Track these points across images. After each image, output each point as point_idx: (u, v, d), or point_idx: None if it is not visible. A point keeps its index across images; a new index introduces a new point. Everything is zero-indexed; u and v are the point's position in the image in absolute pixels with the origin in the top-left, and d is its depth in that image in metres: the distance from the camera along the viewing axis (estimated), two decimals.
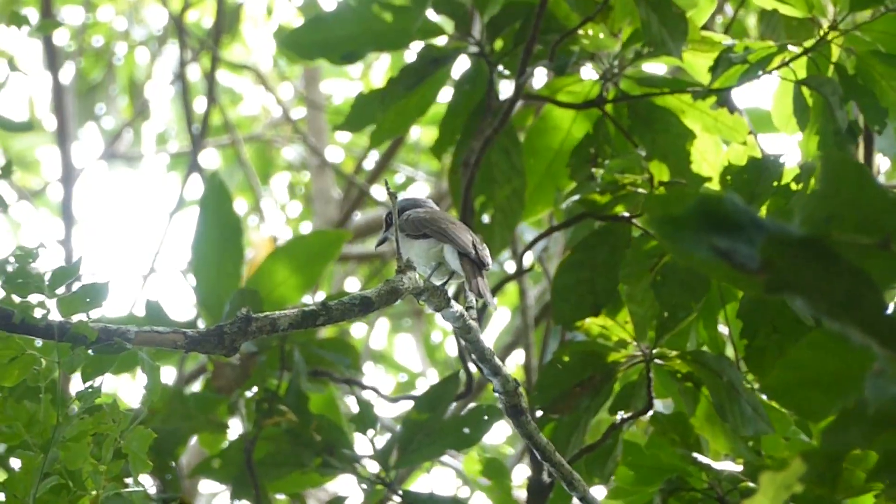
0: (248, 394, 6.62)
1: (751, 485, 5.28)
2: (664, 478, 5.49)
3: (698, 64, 6.16)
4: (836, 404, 2.81)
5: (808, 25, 6.33)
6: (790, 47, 5.89)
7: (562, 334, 6.70)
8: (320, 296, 9.51)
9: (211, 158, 13.96)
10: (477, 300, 4.47)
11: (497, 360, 4.46)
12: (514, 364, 10.64)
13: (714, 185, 5.98)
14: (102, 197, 17.33)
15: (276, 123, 13.64)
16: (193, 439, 7.14)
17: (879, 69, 5.80)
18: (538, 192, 6.53)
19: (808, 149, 5.86)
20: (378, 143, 6.90)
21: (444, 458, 8.76)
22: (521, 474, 8.64)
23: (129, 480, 4.13)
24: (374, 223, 11.39)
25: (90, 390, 4.01)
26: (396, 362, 13.00)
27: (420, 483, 10.18)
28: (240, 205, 13.16)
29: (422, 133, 13.00)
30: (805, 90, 5.88)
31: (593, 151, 6.34)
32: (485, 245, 4.49)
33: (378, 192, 11.14)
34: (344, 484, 7.68)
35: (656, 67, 6.44)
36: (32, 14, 10.86)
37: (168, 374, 8.84)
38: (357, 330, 12.45)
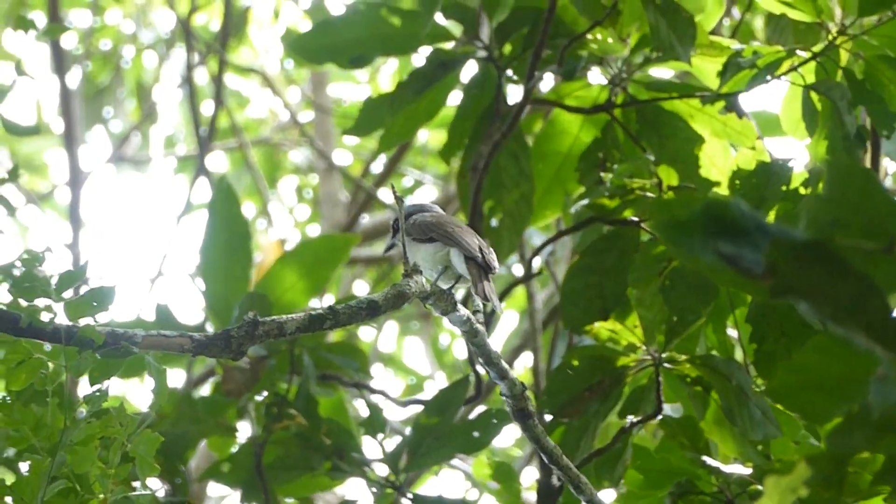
0: (258, 398, 6.63)
1: (760, 488, 5.29)
2: (673, 481, 5.50)
3: (707, 68, 6.16)
4: (840, 408, 2.82)
5: (816, 30, 6.32)
6: (799, 52, 5.89)
7: (569, 338, 6.71)
8: (329, 299, 9.52)
9: (219, 162, 13.99)
10: (483, 304, 4.48)
11: (504, 364, 4.47)
12: (523, 367, 10.66)
13: (723, 190, 5.99)
14: (110, 200, 17.34)
15: (284, 127, 13.65)
16: (203, 443, 7.14)
17: (888, 74, 5.80)
18: (547, 196, 6.54)
19: (817, 153, 5.86)
20: (387, 148, 6.91)
21: (453, 461, 8.77)
22: (529, 477, 8.66)
23: (136, 484, 4.13)
24: (382, 226, 11.39)
25: (97, 394, 4.01)
26: (405, 365, 13.01)
27: (428, 486, 10.19)
28: (248, 208, 13.17)
29: (429, 136, 13.00)
30: (814, 95, 5.88)
31: (602, 156, 6.34)
32: (491, 249, 4.49)
33: (385, 195, 11.15)
34: (353, 488, 7.67)
35: (665, 72, 6.44)
36: (40, 18, 10.91)
37: (177, 378, 8.85)
38: (366, 333, 12.46)
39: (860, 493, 3.79)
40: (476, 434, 6.46)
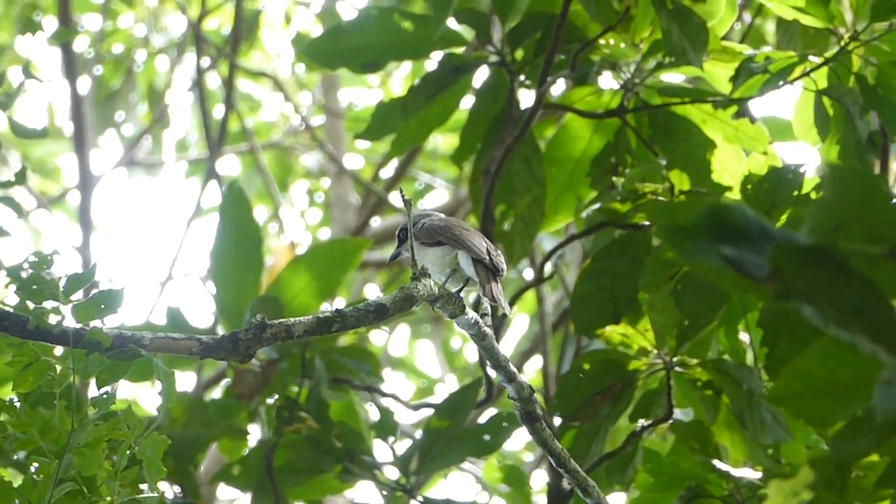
0: (269, 401, 6.63)
1: None
2: (684, 485, 5.51)
3: (719, 73, 6.17)
4: (844, 412, 2.82)
5: (825, 35, 6.34)
6: (811, 57, 5.90)
7: (577, 342, 6.72)
8: (340, 303, 9.52)
9: (230, 165, 14.00)
10: (491, 306, 4.49)
11: (512, 367, 4.47)
12: (533, 371, 10.66)
13: (734, 195, 5.99)
14: (122, 204, 17.36)
15: (295, 130, 13.66)
16: (213, 446, 7.15)
17: None
18: (559, 201, 6.54)
19: (829, 158, 5.86)
20: (399, 152, 6.92)
21: (464, 464, 8.77)
22: (540, 481, 8.66)
23: (144, 486, 4.14)
24: (393, 230, 11.37)
25: (105, 396, 4.02)
26: (416, 368, 13.01)
27: (438, 489, 10.19)
28: (259, 212, 13.18)
29: (440, 141, 13.01)
30: (826, 100, 5.88)
31: (614, 161, 6.35)
32: (499, 251, 4.50)
33: (396, 198, 11.13)
34: (364, 491, 7.68)
35: (677, 77, 6.44)
36: (52, 22, 10.93)
37: (186, 381, 8.85)
38: (377, 337, 12.47)
39: (865, 496, 3.80)
40: (487, 437, 6.47)
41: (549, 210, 6.52)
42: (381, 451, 6.64)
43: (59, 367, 3.99)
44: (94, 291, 3.98)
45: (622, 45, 6.24)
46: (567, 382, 5.85)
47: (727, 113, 6.11)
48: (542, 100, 6.25)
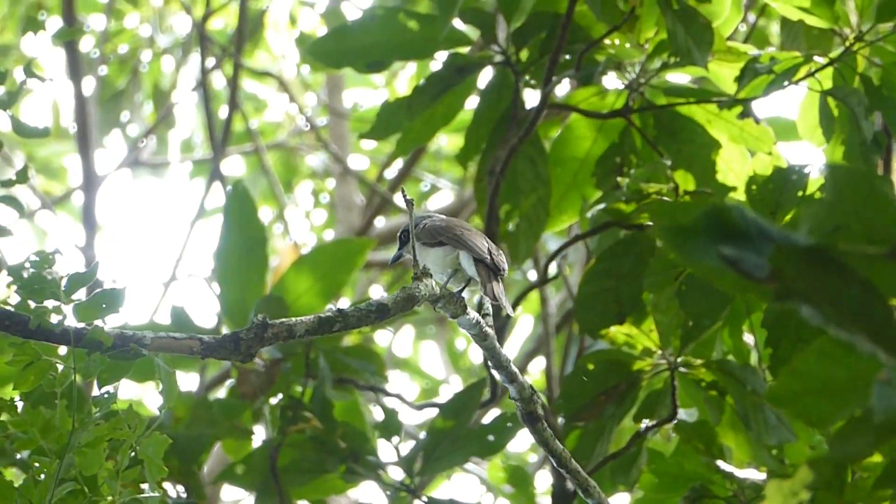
0: (273, 400, 6.64)
1: None
2: (688, 486, 5.51)
3: (724, 74, 6.17)
4: (842, 412, 2.82)
5: (829, 35, 6.33)
6: (816, 58, 5.90)
7: (580, 342, 6.72)
8: (344, 304, 9.52)
9: (235, 166, 14.00)
10: (493, 306, 4.49)
11: (513, 367, 4.47)
12: (539, 372, 10.66)
13: (739, 195, 5.99)
14: (127, 204, 17.37)
15: (300, 131, 13.66)
16: (217, 445, 7.15)
17: None
18: (563, 201, 6.54)
19: (834, 159, 5.86)
20: (404, 152, 6.92)
21: (469, 465, 8.77)
22: (545, 481, 8.66)
23: (145, 486, 4.13)
24: (397, 230, 11.35)
25: (106, 396, 4.02)
26: (420, 369, 13.01)
27: (442, 490, 10.20)
28: (264, 213, 13.18)
29: (444, 141, 13.01)
30: (831, 100, 5.88)
31: (619, 161, 6.35)
32: (501, 251, 4.50)
33: (400, 199, 11.13)
34: (368, 491, 7.68)
35: (682, 77, 6.44)
36: (57, 22, 10.94)
37: (188, 381, 8.85)
38: (381, 337, 12.48)
39: (867, 496, 3.80)
40: (491, 438, 6.47)
41: (554, 210, 6.51)
42: (386, 451, 6.65)
43: (60, 367, 3.98)
44: (97, 291, 3.98)
45: (627, 45, 6.24)
46: (571, 383, 5.85)
47: (732, 113, 6.11)
48: (547, 100, 6.25)
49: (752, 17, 8.56)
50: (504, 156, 6.29)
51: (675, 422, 5.68)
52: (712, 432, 5.66)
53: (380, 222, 11.63)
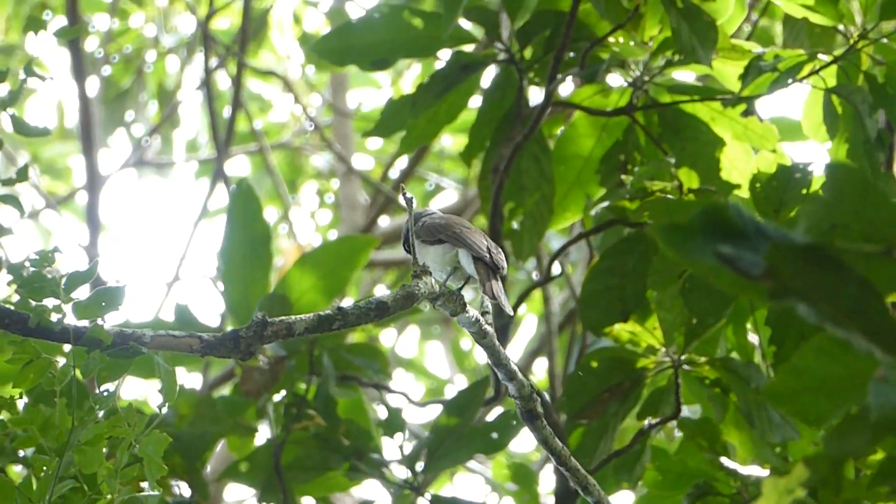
0: (277, 398, 6.64)
1: None
2: (692, 483, 5.51)
3: (728, 72, 6.17)
4: (839, 410, 2.82)
5: (832, 33, 6.34)
6: (820, 55, 5.90)
7: (583, 340, 6.72)
8: (349, 303, 9.49)
9: (240, 166, 14.01)
10: (492, 304, 4.49)
11: (512, 365, 4.47)
12: (544, 371, 10.65)
13: (743, 193, 5.99)
14: (131, 204, 17.38)
15: (305, 131, 13.66)
16: (221, 443, 7.15)
17: None
18: (567, 199, 6.54)
19: (838, 157, 5.87)
20: (409, 150, 6.93)
21: (473, 464, 8.78)
22: (551, 481, 8.66)
23: (145, 485, 4.13)
24: (401, 229, 11.36)
25: (106, 394, 4.01)
26: (425, 369, 13.01)
27: (446, 491, 10.19)
28: (269, 213, 13.18)
29: (448, 140, 13.02)
30: (835, 98, 5.89)
31: (623, 159, 6.35)
32: (500, 249, 4.50)
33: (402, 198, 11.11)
34: (371, 488, 7.68)
35: (686, 75, 6.45)
36: (62, 22, 10.95)
37: (193, 381, 8.84)
38: (386, 337, 12.48)
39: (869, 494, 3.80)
40: (494, 435, 6.48)
41: (558, 208, 6.51)
42: (389, 448, 6.65)
43: (60, 365, 3.98)
44: (97, 289, 3.98)
45: (631, 43, 6.24)
46: (575, 380, 5.85)
47: (736, 111, 6.11)
48: (551, 97, 6.26)
49: (753, 16, 8.55)
50: (508, 153, 6.29)
51: (679, 419, 5.69)
52: (716, 430, 5.67)
53: (384, 222, 11.64)
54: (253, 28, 11.57)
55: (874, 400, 2.60)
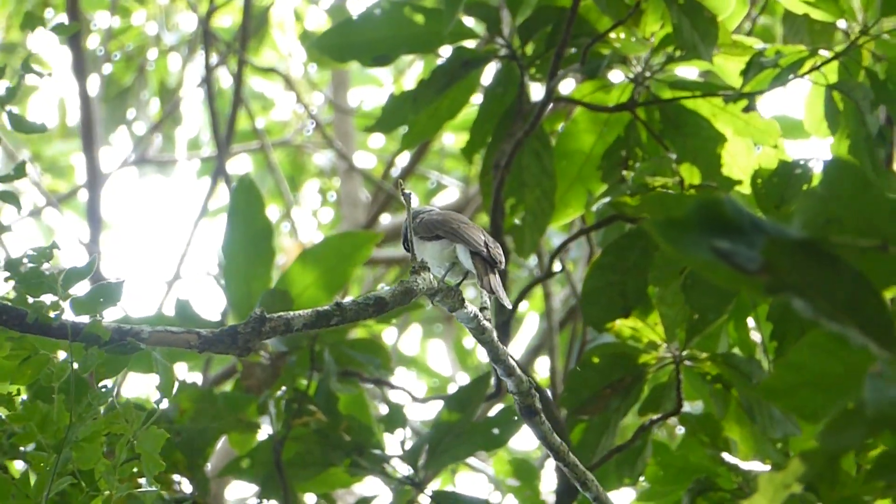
0: (278, 394, 6.64)
1: None
2: (693, 478, 5.52)
3: (729, 68, 6.17)
4: (835, 405, 2.82)
5: (831, 30, 6.34)
6: (821, 52, 5.91)
7: (583, 336, 6.72)
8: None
9: (242, 164, 14.02)
10: (490, 298, 4.50)
11: (511, 361, 4.48)
12: (542, 367, 10.65)
13: (745, 189, 6.00)
14: (133, 202, 17.39)
15: (307, 129, 13.66)
16: (222, 439, 7.15)
17: None
18: (569, 194, 6.54)
19: (840, 153, 5.87)
20: (410, 146, 6.93)
21: (475, 462, 8.78)
22: (551, 476, 8.66)
23: (143, 481, 4.13)
24: (402, 227, 11.37)
25: (104, 390, 4.01)
26: (428, 367, 13.01)
27: (449, 489, 10.18)
28: (271, 210, 13.18)
29: (448, 137, 13.02)
30: (836, 95, 5.89)
31: (624, 154, 6.35)
32: (498, 244, 4.51)
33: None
34: (373, 485, 7.68)
35: (687, 71, 6.45)
36: (63, 20, 10.95)
37: (194, 376, 8.84)
38: (388, 335, 12.48)
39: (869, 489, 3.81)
40: (496, 431, 6.47)
41: (559, 204, 6.52)
42: (391, 444, 6.65)
43: (58, 361, 3.98)
44: (95, 285, 3.98)
45: (632, 38, 6.24)
46: (576, 376, 5.85)
47: (737, 107, 6.12)
48: (553, 93, 6.26)
49: (753, 13, 8.56)
50: (509, 149, 6.29)
51: (680, 415, 5.69)
52: (717, 425, 5.67)
53: (385, 219, 11.64)
54: (254, 26, 11.58)
55: (870, 395, 2.60)
